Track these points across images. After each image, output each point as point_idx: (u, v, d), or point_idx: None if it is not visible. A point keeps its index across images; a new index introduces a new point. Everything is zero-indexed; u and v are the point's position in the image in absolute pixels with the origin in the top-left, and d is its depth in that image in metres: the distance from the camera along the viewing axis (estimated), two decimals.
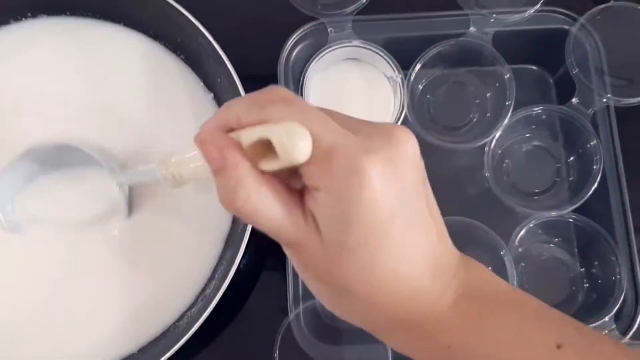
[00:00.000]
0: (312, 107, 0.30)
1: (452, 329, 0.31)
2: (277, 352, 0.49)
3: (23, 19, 0.55)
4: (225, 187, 0.29)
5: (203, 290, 0.52)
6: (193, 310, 0.51)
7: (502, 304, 0.32)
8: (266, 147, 0.29)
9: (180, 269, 0.52)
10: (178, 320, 0.51)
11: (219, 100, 0.55)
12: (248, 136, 0.30)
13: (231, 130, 0.31)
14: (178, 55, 0.55)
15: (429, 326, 0.32)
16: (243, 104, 0.31)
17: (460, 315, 0.32)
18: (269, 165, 0.29)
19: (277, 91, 0.31)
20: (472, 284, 0.32)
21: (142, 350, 0.51)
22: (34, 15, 0.55)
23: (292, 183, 0.31)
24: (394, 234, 0.29)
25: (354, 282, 0.30)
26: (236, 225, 0.52)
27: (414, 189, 0.30)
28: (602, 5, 0.54)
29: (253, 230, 0.48)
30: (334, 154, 0.28)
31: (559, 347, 0.31)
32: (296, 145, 0.27)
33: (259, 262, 0.55)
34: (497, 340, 0.31)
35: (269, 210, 0.29)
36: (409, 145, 0.30)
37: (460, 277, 0.32)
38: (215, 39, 0.50)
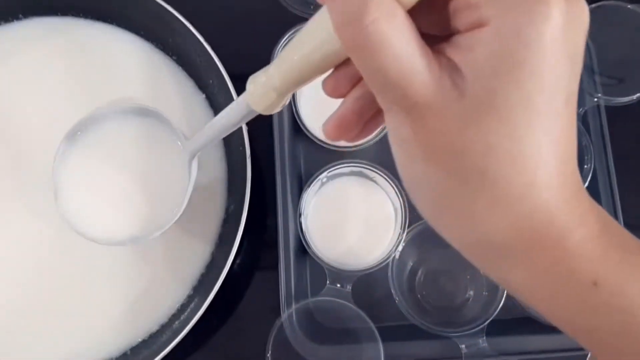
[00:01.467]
0: None
1: (599, 259, 0.24)
2: (270, 352, 0.49)
3: (14, 20, 0.55)
4: (349, 2, 0.22)
5: (195, 290, 0.52)
6: (185, 311, 0.51)
7: None
8: None
9: (171, 269, 0.52)
10: (170, 321, 0.51)
11: (211, 102, 0.54)
12: None
13: None
14: (170, 56, 0.55)
15: (571, 249, 0.24)
16: None
17: (607, 245, 0.24)
18: None
19: None
20: (609, 223, 0.26)
21: (135, 350, 0.50)
22: (25, 16, 0.55)
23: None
24: (558, 106, 0.23)
25: (492, 154, 0.22)
26: (229, 224, 0.52)
27: (579, 64, 0.23)
28: (593, 5, 0.54)
29: (246, 229, 0.48)
30: None
31: None
32: None
33: (252, 263, 0.55)
34: None
35: (401, 42, 0.22)
36: (586, 10, 0.23)
37: (596, 212, 0.26)
38: (206, 40, 0.50)
